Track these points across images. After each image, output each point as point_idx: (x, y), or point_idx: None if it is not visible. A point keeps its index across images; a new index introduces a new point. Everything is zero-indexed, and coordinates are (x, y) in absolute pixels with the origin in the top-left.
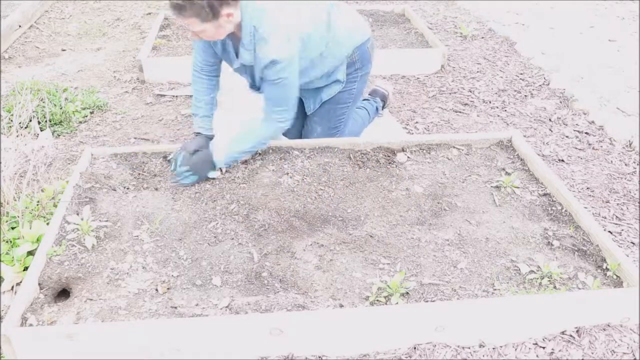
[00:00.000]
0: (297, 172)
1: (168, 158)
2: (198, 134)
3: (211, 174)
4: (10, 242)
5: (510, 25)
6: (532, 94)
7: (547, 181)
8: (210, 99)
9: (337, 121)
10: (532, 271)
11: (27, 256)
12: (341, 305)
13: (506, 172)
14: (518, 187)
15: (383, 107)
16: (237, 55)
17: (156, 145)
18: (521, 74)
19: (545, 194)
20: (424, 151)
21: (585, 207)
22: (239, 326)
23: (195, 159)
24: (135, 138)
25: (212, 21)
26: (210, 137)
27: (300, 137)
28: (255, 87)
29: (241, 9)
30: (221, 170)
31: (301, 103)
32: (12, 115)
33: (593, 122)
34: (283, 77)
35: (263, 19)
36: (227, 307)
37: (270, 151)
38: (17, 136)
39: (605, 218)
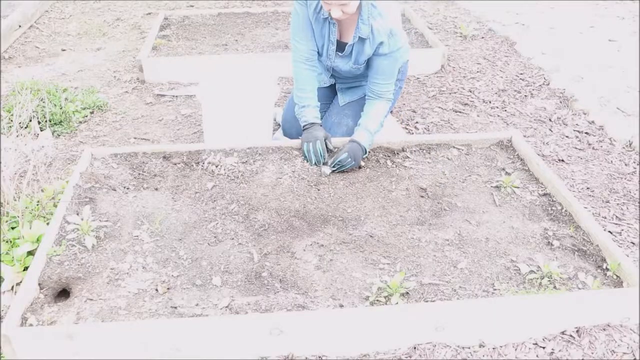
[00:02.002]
0: (297, 172)
1: (309, 154)
2: (312, 124)
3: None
4: (10, 242)
5: (510, 25)
6: (532, 94)
7: (547, 181)
8: (315, 89)
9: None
10: (532, 271)
11: (27, 256)
12: (341, 305)
13: (506, 172)
14: (518, 187)
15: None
16: (346, 29)
17: (156, 145)
18: (521, 74)
19: (545, 194)
20: (424, 151)
21: (585, 207)
22: (239, 326)
23: (350, 147)
24: (135, 138)
25: None
26: (320, 124)
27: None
28: (314, 64)
29: None
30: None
31: (323, 100)
32: (12, 115)
33: (593, 122)
34: (398, 48)
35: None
36: (227, 307)
37: (270, 151)
38: (17, 136)
39: (605, 218)
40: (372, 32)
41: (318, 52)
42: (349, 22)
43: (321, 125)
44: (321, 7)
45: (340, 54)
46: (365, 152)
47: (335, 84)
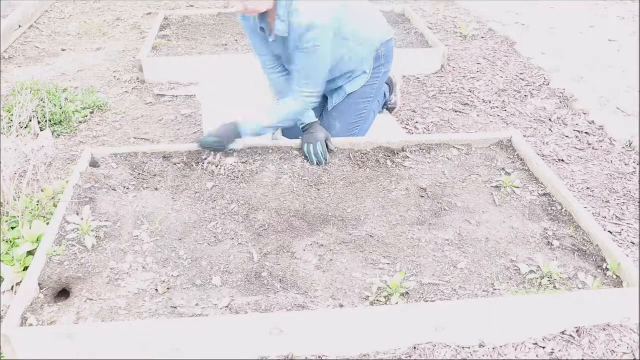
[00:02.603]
0: (297, 172)
1: (310, 156)
2: (310, 124)
3: (232, 145)
4: (10, 242)
5: (510, 25)
6: (532, 94)
7: (547, 181)
8: None
9: (358, 116)
10: (532, 271)
11: (27, 256)
12: (341, 305)
13: (506, 172)
14: (518, 187)
15: (391, 92)
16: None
17: (156, 145)
18: (521, 74)
19: (545, 194)
20: (424, 151)
21: (585, 207)
22: (239, 326)
23: (221, 130)
24: (135, 138)
25: None
26: (319, 122)
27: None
28: (282, 68)
29: None
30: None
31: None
32: (12, 115)
33: (593, 122)
34: (316, 45)
35: None
36: (227, 307)
37: (270, 151)
38: (17, 136)
39: (605, 218)
40: (290, 29)
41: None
42: (272, 23)
43: (320, 124)
44: (253, 19)
45: (275, 41)
46: (240, 137)
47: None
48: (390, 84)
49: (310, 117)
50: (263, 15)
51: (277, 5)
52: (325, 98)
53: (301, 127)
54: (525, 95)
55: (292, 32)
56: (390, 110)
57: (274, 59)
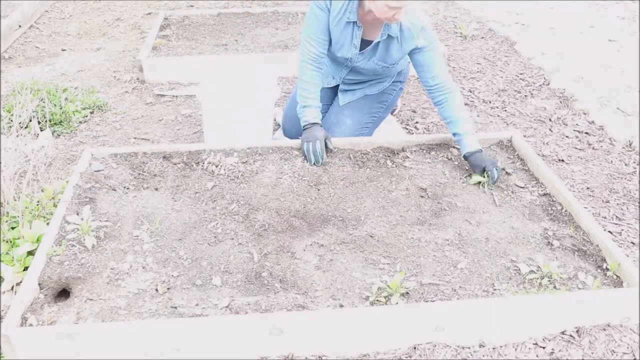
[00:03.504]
0: (297, 172)
1: (308, 154)
2: (312, 124)
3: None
4: (10, 242)
5: (510, 25)
6: (532, 94)
7: (547, 181)
8: (319, 90)
9: (370, 118)
10: (532, 271)
11: (27, 256)
12: (341, 305)
13: (506, 172)
14: (518, 187)
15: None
16: (371, 29)
17: (156, 145)
18: (521, 74)
19: (545, 194)
20: (424, 151)
21: (585, 207)
22: (239, 326)
23: (482, 158)
24: (135, 138)
25: None
26: (320, 125)
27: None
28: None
29: None
30: None
31: (324, 101)
32: (12, 115)
33: (593, 122)
34: (434, 39)
35: None
36: (227, 307)
37: (270, 151)
38: (17, 136)
39: (605, 218)
40: (402, 29)
41: (333, 54)
42: (374, 22)
43: (321, 126)
44: (345, 11)
45: (362, 52)
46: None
47: (337, 85)
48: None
49: (315, 116)
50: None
51: None
52: (332, 95)
53: (303, 125)
54: (525, 95)
55: (403, 34)
56: (391, 111)
57: (324, 52)
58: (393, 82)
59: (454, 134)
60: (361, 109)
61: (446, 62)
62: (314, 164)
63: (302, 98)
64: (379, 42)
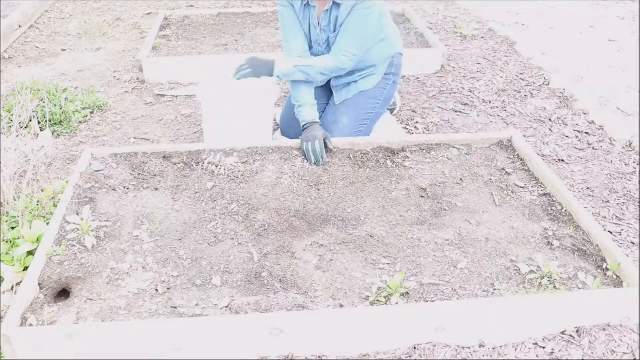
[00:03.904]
0: (297, 172)
1: (308, 154)
2: (311, 123)
3: (265, 79)
4: (10, 242)
5: (510, 25)
6: (532, 94)
7: (547, 181)
8: (312, 87)
9: (366, 114)
10: (532, 271)
11: (27, 256)
12: (341, 305)
13: (506, 172)
14: (518, 187)
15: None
16: (324, 4)
17: (156, 145)
18: (521, 74)
19: (545, 194)
20: (424, 151)
21: (585, 207)
22: (239, 326)
23: (255, 62)
24: (135, 138)
25: None
26: (319, 123)
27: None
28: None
29: None
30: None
31: (320, 100)
32: (12, 115)
33: (593, 122)
34: (368, 8)
35: None
36: (227, 307)
37: (270, 151)
38: (17, 136)
39: (605, 218)
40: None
41: (310, 47)
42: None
43: (320, 125)
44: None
45: (322, 29)
46: (271, 75)
47: (330, 83)
48: (392, 108)
49: (312, 115)
50: None
51: None
52: (329, 94)
53: (302, 125)
54: (525, 95)
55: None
56: (391, 110)
57: (305, 49)
58: (385, 74)
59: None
60: (357, 106)
61: (446, 62)
62: (314, 164)
63: (295, 97)
64: (327, 10)
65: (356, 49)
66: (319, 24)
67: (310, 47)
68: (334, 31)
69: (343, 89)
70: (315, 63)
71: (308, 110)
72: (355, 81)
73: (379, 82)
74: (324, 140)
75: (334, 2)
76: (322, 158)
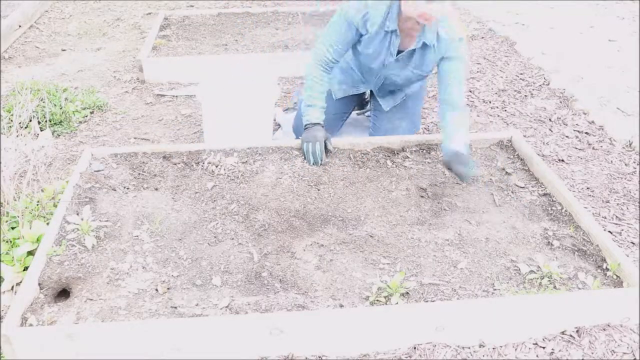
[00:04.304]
0: (297, 172)
1: (307, 155)
2: (314, 124)
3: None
4: (10, 242)
5: (510, 25)
6: (532, 94)
7: (547, 181)
8: (325, 91)
9: (418, 115)
10: (532, 271)
11: (27, 256)
12: (341, 305)
13: (506, 172)
14: (518, 187)
15: None
16: (412, 40)
17: (156, 145)
18: (521, 74)
19: (545, 194)
20: (424, 151)
21: (585, 207)
22: (239, 326)
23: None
24: (135, 138)
25: None
26: (322, 125)
27: None
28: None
29: None
30: None
31: (345, 108)
32: (12, 115)
33: (593, 122)
34: (465, 54)
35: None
36: (227, 307)
37: (270, 151)
38: (17, 136)
39: (605, 218)
40: (439, 39)
41: (366, 63)
42: (411, 31)
43: (323, 126)
44: (385, 21)
45: (397, 59)
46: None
47: (363, 92)
48: None
49: (318, 117)
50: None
51: None
52: (351, 106)
53: (305, 125)
54: (525, 95)
55: (441, 43)
56: None
57: (338, 59)
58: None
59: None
60: (413, 110)
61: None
62: (313, 164)
63: (308, 97)
64: (414, 49)
65: (464, 92)
66: (397, 54)
67: (366, 70)
68: (416, 68)
69: (389, 95)
70: (466, 126)
71: (315, 111)
72: (402, 89)
73: (424, 84)
74: (325, 141)
75: (423, 43)
76: (322, 160)
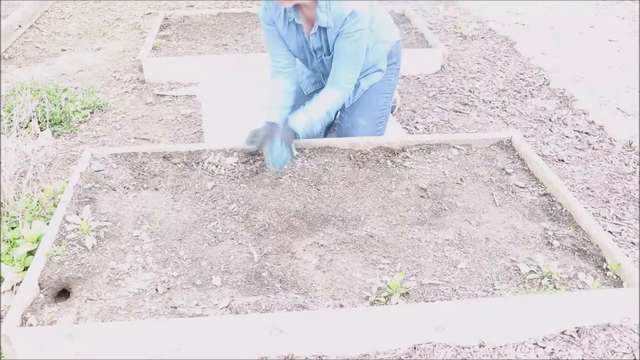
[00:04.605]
0: (297, 172)
1: (248, 151)
2: (271, 123)
3: (294, 151)
4: (10, 242)
5: (510, 25)
6: (532, 94)
7: (547, 181)
8: (288, 97)
9: (381, 112)
10: (532, 271)
11: (27, 256)
12: (341, 305)
13: (506, 172)
14: (518, 187)
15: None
16: (311, 24)
17: (156, 145)
18: (521, 74)
19: (545, 194)
20: (424, 151)
21: (585, 207)
22: (239, 326)
23: (282, 132)
24: (135, 138)
25: None
26: (277, 124)
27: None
28: (319, 66)
29: None
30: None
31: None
32: (12, 115)
33: (593, 122)
34: (360, 29)
35: None
36: (227, 307)
37: None
38: (17, 136)
39: (605, 218)
40: (334, 17)
41: (306, 62)
42: (311, 16)
43: (274, 123)
44: (285, 14)
45: (313, 48)
46: (298, 137)
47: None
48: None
49: (272, 116)
50: (297, 11)
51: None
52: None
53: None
54: (525, 95)
55: (335, 21)
56: (391, 109)
57: (288, 62)
58: (388, 65)
59: (302, 107)
60: (370, 106)
61: (446, 62)
62: (273, 168)
63: (267, 104)
64: (315, 34)
65: (355, 72)
66: (309, 45)
67: (306, 62)
68: (328, 54)
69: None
70: (326, 105)
71: (272, 112)
72: (358, 84)
73: (382, 76)
74: (282, 141)
75: (319, 27)
76: (277, 162)
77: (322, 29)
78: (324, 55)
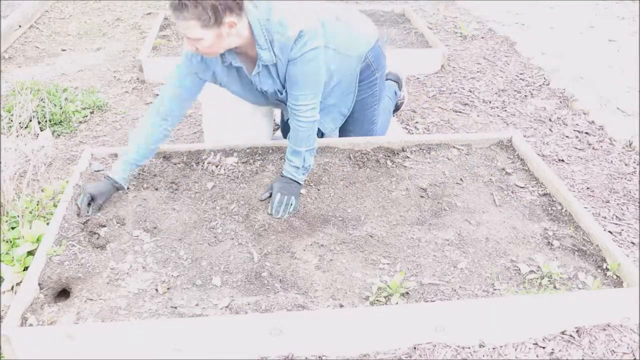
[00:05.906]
0: None
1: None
2: (108, 177)
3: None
4: (10, 242)
5: (510, 25)
6: (532, 94)
7: (547, 181)
8: (151, 147)
9: (370, 123)
10: (532, 271)
11: (27, 256)
12: (341, 305)
13: (506, 172)
14: (518, 187)
15: (400, 88)
16: (254, 63)
17: None
18: (521, 74)
19: (545, 194)
20: (424, 151)
21: (585, 207)
22: (239, 326)
23: (281, 185)
24: None
25: (212, 28)
26: (118, 186)
27: None
28: (277, 99)
29: (247, 15)
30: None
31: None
32: (12, 115)
33: (593, 122)
34: (312, 48)
35: (272, 7)
36: (227, 307)
37: (270, 151)
38: (17, 136)
39: (605, 218)
40: (281, 47)
41: (261, 102)
42: (253, 54)
43: (114, 183)
44: (222, 58)
45: (262, 90)
46: (301, 184)
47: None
48: (397, 81)
49: (116, 171)
50: (234, 53)
51: (254, 34)
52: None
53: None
54: (525, 95)
55: (283, 52)
56: (399, 106)
57: (184, 105)
58: (367, 78)
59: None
60: (358, 122)
61: (446, 62)
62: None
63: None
64: (258, 74)
65: (313, 96)
66: (257, 87)
67: (261, 102)
68: (284, 88)
69: (327, 116)
70: (301, 143)
71: (117, 163)
72: (329, 102)
73: (365, 91)
74: (90, 197)
75: (262, 66)
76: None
77: (267, 67)
78: (279, 94)
